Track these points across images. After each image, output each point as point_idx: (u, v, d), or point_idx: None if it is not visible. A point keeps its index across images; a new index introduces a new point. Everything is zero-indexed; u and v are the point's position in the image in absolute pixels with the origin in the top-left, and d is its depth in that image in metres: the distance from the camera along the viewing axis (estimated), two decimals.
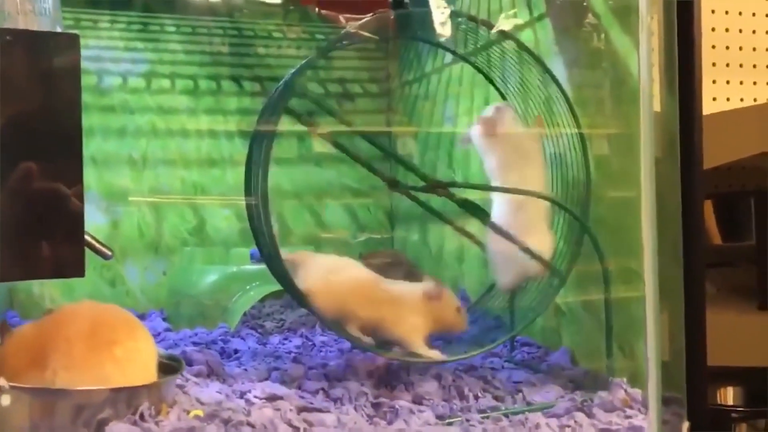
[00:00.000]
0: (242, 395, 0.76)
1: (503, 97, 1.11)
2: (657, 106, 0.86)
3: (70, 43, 0.86)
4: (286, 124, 0.92)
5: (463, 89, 1.35)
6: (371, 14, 1.29)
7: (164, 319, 1.27)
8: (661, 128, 0.85)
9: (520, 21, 1.08)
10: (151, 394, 0.64)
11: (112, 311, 0.76)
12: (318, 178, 1.57)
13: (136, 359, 0.66)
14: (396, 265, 1.54)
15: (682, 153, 0.87)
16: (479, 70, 1.10)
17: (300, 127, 0.95)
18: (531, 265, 0.95)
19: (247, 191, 0.94)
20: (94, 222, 1.40)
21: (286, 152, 1.55)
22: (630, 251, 0.95)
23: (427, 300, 0.90)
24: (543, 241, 0.96)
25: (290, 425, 0.63)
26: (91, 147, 1.41)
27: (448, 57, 1.33)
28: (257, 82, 1.53)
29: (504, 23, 1.01)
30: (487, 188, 1.01)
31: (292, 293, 0.94)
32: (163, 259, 1.45)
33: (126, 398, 0.62)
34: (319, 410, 0.71)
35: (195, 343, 1.07)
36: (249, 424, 0.62)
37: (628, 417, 0.80)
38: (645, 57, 0.83)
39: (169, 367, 0.72)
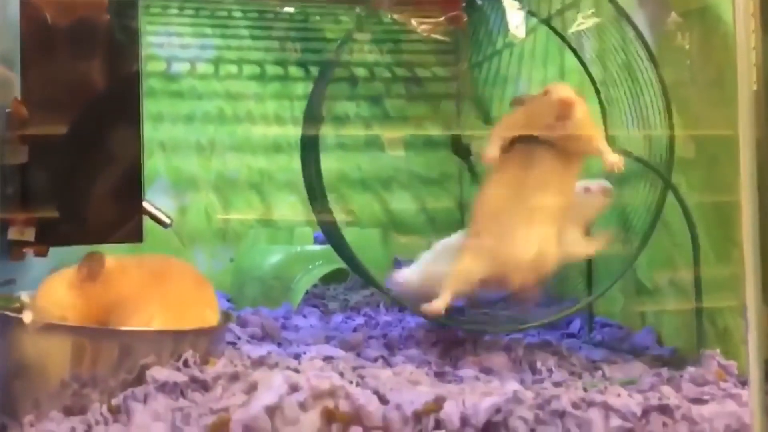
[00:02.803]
0: (296, 356, 0.72)
1: (583, 65, 1.04)
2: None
3: (129, 6, 0.86)
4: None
5: (536, 62, 1.28)
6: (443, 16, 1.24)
7: (228, 300, 1.25)
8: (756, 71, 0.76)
9: None
10: (197, 343, 0.60)
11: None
12: (385, 165, 1.53)
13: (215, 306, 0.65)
14: None
15: None
16: (560, 35, 1.03)
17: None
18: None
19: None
20: (162, 207, 1.39)
21: (352, 138, 1.52)
22: (723, 220, 0.87)
23: None
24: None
25: (342, 376, 0.58)
26: (159, 133, 1.42)
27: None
28: (322, 66, 1.50)
29: None
30: None
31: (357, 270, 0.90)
32: (231, 246, 1.43)
33: (171, 344, 0.59)
34: (375, 367, 0.65)
35: None
36: (297, 371, 0.57)
37: (723, 390, 0.71)
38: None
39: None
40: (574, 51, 1.02)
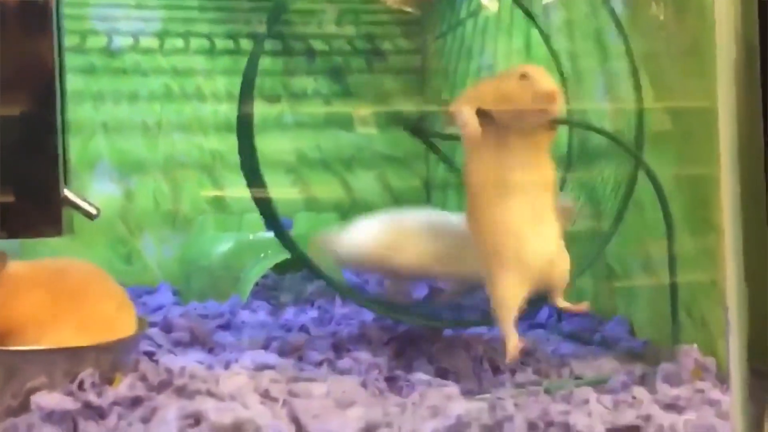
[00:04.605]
0: (227, 365, 0.64)
1: (544, 37, 0.96)
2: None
3: None
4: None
5: (501, 33, 1.20)
6: None
7: (174, 293, 1.16)
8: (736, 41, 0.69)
9: None
10: (100, 360, 0.52)
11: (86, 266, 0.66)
12: (347, 144, 1.44)
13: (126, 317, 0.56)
14: None
15: (765, 105, 0.71)
16: (523, 8, 0.95)
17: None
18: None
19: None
20: (106, 193, 1.31)
21: (311, 116, 1.43)
22: (699, 196, 0.80)
23: None
24: None
25: (266, 395, 0.51)
26: (101, 113, 1.32)
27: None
28: (278, 39, 1.41)
29: None
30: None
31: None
32: (181, 232, 1.34)
33: (67, 363, 0.50)
34: (311, 379, 0.58)
35: (202, 316, 0.96)
36: (210, 393, 0.49)
37: (699, 391, 0.64)
38: None
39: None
40: (536, 24, 0.95)
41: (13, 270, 0.62)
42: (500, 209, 0.68)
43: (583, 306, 0.72)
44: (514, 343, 0.67)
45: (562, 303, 0.71)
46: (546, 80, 0.69)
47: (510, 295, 0.68)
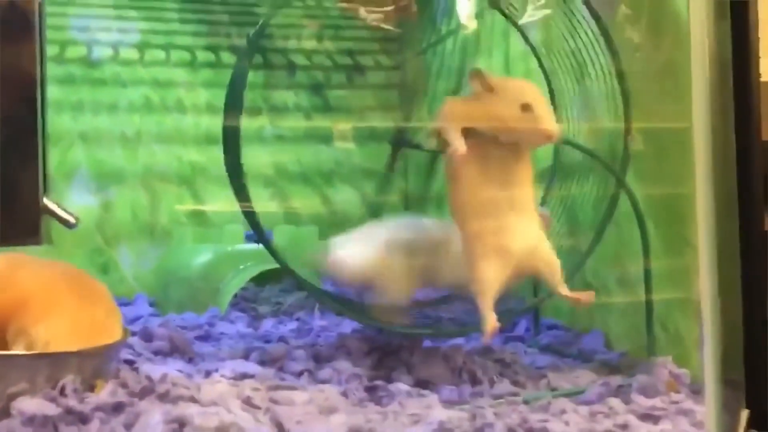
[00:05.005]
0: (207, 374, 0.64)
1: (534, 52, 0.98)
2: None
3: None
4: None
5: (481, 50, 1.22)
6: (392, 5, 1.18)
7: (151, 305, 1.16)
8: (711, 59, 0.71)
9: None
10: (82, 366, 0.52)
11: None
12: (327, 158, 1.45)
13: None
14: None
15: (738, 123, 0.73)
16: (507, 18, 0.97)
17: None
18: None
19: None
20: (84, 203, 1.30)
21: (291, 130, 1.44)
22: (673, 213, 0.82)
23: None
24: None
25: (248, 403, 0.51)
26: (80, 123, 1.32)
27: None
28: (259, 53, 1.41)
29: None
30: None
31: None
32: (159, 244, 1.34)
33: (48, 368, 0.50)
34: (293, 388, 0.58)
35: (180, 328, 0.95)
36: (192, 399, 0.49)
37: (674, 401, 0.66)
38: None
39: None
40: (527, 39, 0.96)
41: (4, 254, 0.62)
42: (482, 198, 0.70)
43: (587, 295, 0.72)
44: (491, 323, 0.68)
45: (564, 291, 0.72)
46: (549, 119, 0.70)
47: (489, 276, 0.69)
